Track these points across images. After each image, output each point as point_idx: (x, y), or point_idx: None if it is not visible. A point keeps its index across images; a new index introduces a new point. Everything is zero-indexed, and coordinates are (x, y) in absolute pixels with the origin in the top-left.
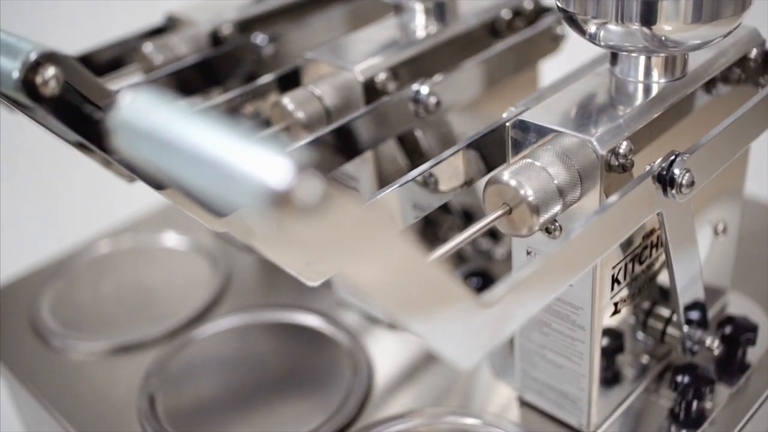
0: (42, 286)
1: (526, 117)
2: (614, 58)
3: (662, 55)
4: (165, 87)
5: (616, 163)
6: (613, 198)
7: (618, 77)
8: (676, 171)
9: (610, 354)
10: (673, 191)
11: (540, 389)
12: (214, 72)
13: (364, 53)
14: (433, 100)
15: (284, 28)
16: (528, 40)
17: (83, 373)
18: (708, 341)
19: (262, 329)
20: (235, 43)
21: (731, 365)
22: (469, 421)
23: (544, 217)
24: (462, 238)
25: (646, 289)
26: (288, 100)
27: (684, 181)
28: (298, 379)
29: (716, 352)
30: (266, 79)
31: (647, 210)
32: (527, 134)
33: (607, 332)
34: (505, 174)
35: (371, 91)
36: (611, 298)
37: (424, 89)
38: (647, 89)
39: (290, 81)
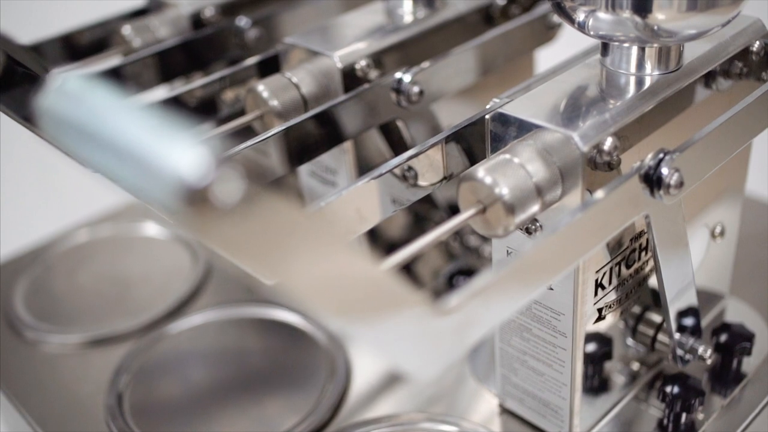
0: (17, 276)
1: (506, 110)
2: (605, 48)
3: (655, 45)
4: (143, 71)
5: (601, 161)
6: (594, 198)
7: (608, 69)
8: (664, 170)
9: (596, 361)
10: (661, 192)
11: (521, 396)
12: (195, 56)
13: (346, 39)
14: (416, 89)
15: (270, 11)
16: (521, 28)
17: (54, 366)
18: (700, 350)
19: (239, 325)
20: (217, 26)
21: (725, 375)
22: (446, 428)
23: (520, 217)
24: (428, 240)
25: (635, 294)
26: (263, 88)
27: (672, 182)
28: (273, 378)
29: (709, 361)
30: (245, 64)
31: (632, 211)
32: (507, 128)
33: (595, 338)
34: (480, 170)
35: (351, 78)
36: (595, 303)
37: (407, 77)
38: (638, 82)
39: (270, 67)
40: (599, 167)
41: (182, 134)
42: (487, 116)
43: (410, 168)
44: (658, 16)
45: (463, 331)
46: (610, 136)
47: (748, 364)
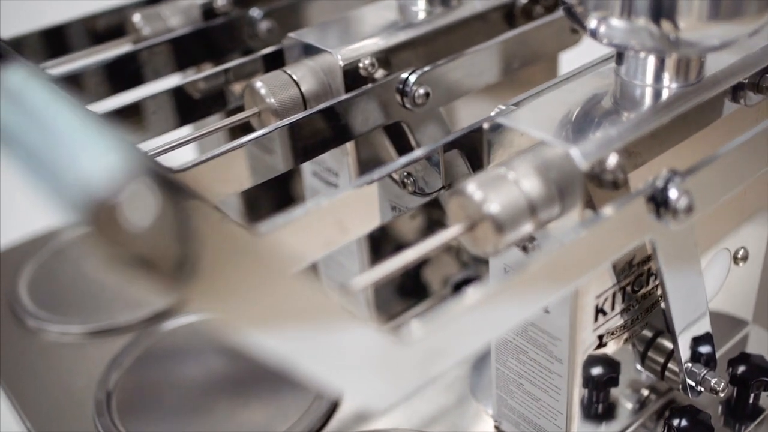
0: (23, 262)
1: (504, 120)
2: (620, 57)
3: (674, 56)
4: (152, 59)
5: (605, 179)
6: (592, 219)
7: (623, 79)
8: (672, 193)
9: (600, 386)
10: (668, 216)
11: (516, 420)
12: (206, 46)
13: (352, 36)
14: (421, 91)
15: (284, 3)
16: (542, 30)
17: (51, 356)
18: (713, 382)
19: None
20: (229, 16)
21: (741, 409)
22: None
23: (510, 236)
24: (408, 257)
25: (641, 320)
26: (260, 84)
27: (680, 206)
28: (266, 382)
29: (722, 394)
30: (250, 58)
31: (635, 235)
32: (505, 139)
33: (601, 361)
34: (470, 185)
35: (353, 77)
36: (594, 330)
37: (412, 78)
38: (654, 94)
39: (276, 61)
40: (604, 185)
41: (108, 145)
42: (485, 125)
43: (409, 175)
44: (677, 25)
45: (428, 362)
46: (615, 153)
47: (767, 398)
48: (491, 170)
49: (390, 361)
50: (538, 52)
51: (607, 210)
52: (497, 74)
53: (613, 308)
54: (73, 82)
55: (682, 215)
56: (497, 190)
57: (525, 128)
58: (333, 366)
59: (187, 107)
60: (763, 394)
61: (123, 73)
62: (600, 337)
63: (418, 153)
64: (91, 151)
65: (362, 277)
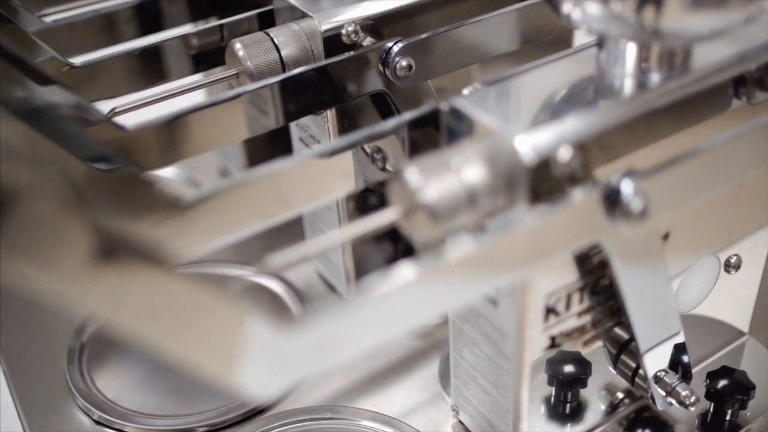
0: None
1: (461, 103)
2: (601, 42)
3: (655, 45)
4: (160, 10)
5: (559, 173)
6: (533, 213)
7: (601, 66)
8: (626, 193)
9: (566, 386)
10: (621, 218)
11: (471, 413)
12: (213, 0)
13: (341, 0)
14: (404, 62)
15: None
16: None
17: (39, 301)
18: (683, 394)
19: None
20: None
21: (717, 424)
22: (387, 429)
23: (445, 226)
24: (335, 238)
25: (604, 324)
26: (239, 46)
27: (634, 208)
28: None
29: (692, 409)
30: (243, 15)
31: (583, 235)
32: (461, 123)
33: (571, 360)
34: (408, 170)
35: (336, 44)
36: (545, 330)
37: (395, 48)
38: (630, 85)
39: (269, 21)
40: (561, 179)
41: None
42: (442, 107)
43: (379, 150)
44: (658, 12)
45: (318, 352)
46: (568, 146)
47: (746, 415)
48: (436, 155)
49: (275, 349)
50: (543, 29)
51: (554, 204)
52: (494, 50)
53: (568, 309)
54: (73, 30)
55: (636, 218)
56: (436, 177)
57: (478, 114)
58: (214, 353)
59: (179, 61)
60: (747, 410)
61: (129, 23)
62: (552, 338)
63: (366, 131)
64: None
65: (281, 254)
